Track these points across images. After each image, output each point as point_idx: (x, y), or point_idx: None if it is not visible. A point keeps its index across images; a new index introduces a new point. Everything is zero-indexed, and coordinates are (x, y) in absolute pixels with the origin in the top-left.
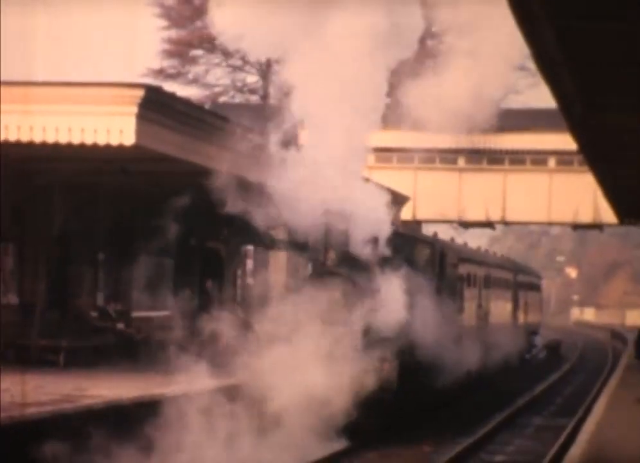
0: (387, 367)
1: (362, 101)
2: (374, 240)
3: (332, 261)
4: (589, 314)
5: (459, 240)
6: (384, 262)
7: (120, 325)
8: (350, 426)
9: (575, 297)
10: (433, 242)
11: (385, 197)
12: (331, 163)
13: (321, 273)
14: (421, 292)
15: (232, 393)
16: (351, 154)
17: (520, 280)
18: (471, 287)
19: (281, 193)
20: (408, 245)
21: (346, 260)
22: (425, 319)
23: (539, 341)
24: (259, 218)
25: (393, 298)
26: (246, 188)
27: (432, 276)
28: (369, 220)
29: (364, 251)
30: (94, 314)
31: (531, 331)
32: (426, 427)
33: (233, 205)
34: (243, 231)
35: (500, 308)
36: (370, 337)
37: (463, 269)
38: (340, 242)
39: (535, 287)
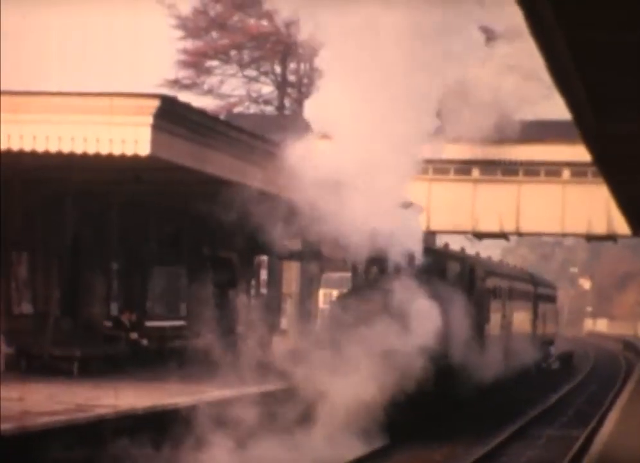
0: (425, 373)
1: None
2: (410, 256)
3: (373, 275)
4: (602, 325)
5: (473, 251)
6: (419, 276)
7: (133, 335)
8: (392, 424)
9: (588, 308)
10: (463, 258)
11: (419, 215)
12: (370, 179)
13: (362, 286)
14: (453, 304)
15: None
16: (392, 168)
17: (539, 292)
18: (496, 299)
19: (320, 209)
20: (440, 260)
21: (384, 274)
22: (457, 330)
23: (554, 351)
24: (281, 231)
25: (428, 310)
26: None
27: (463, 290)
28: (405, 238)
29: (401, 266)
30: (107, 323)
31: (548, 341)
32: (439, 435)
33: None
34: (258, 242)
35: (522, 319)
36: (409, 345)
37: (490, 283)
38: (380, 258)
39: (552, 299)
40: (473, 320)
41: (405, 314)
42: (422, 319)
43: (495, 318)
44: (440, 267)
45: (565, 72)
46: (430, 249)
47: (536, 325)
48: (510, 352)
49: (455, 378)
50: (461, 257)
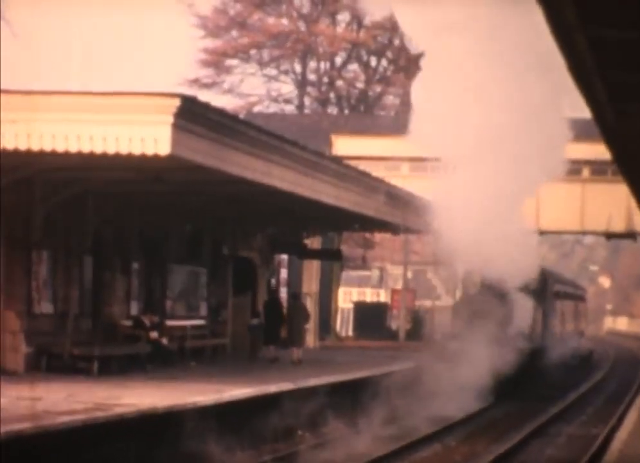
0: (522, 354)
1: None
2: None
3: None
4: (622, 324)
5: None
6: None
7: (153, 334)
8: (499, 390)
9: (608, 306)
10: (541, 270)
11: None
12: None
13: (476, 293)
14: (537, 303)
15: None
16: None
17: (577, 293)
18: (557, 300)
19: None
20: None
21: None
22: (538, 321)
23: (584, 341)
24: None
25: (523, 307)
26: None
27: (541, 292)
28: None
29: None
30: (127, 322)
31: (581, 332)
32: (459, 433)
33: None
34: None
35: (570, 315)
36: (512, 332)
37: (555, 287)
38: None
39: (583, 299)
40: (546, 314)
41: (509, 311)
42: (520, 315)
43: (557, 314)
44: None
45: (586, 71)
46: None
47: (576, 319)
48: (565, 338)
49: (538, 357)
50: (540, 269)
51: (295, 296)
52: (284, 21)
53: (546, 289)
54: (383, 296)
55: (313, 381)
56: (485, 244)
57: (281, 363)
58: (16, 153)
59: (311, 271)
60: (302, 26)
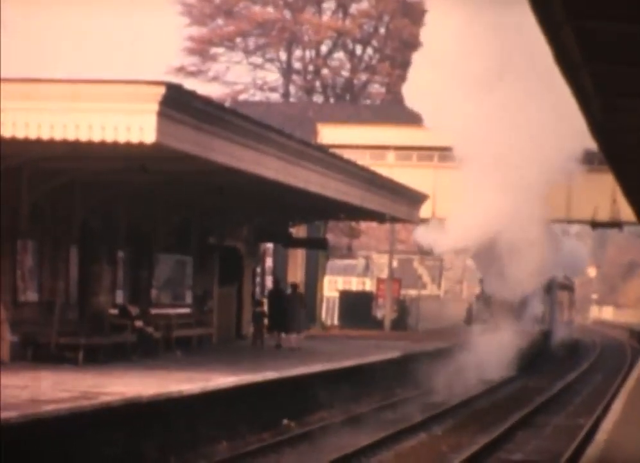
0: (537, 336)
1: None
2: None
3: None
4: (608, 313)
5: None
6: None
7: (139, 323)
8: (519, 364)
9: (594, 296)
10: None
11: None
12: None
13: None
14: (547, 293)
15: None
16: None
17: (569, 285)
18: (559, 291)
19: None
20: None
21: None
22: (548, 309)
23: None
24: None
25: (537, 299)
26: None
27: (550, 285)
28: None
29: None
30: (113, 311)
31: (572, 320)
32: (449, 425)
33: None
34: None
35: (567, 303)
36: (528, 319)
37: (557, 280)
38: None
39: (572, 289)
40: (552, 303)
41: (527, 302)
42: (535, 304)
43: (559, 303)
44: None
45: (573, 63)
46: None
47: (570, 307)
48: (565, 324)
49: (549, 338)
50: None
51: (294, 286)
52: (270, 9)
53: (553, 282)
54: (368, 285)
55: (300, 370)
56: (505, 246)
57: (274, 349)
58: (2, 142)
59: (297, 259)
60: (287, 14)
